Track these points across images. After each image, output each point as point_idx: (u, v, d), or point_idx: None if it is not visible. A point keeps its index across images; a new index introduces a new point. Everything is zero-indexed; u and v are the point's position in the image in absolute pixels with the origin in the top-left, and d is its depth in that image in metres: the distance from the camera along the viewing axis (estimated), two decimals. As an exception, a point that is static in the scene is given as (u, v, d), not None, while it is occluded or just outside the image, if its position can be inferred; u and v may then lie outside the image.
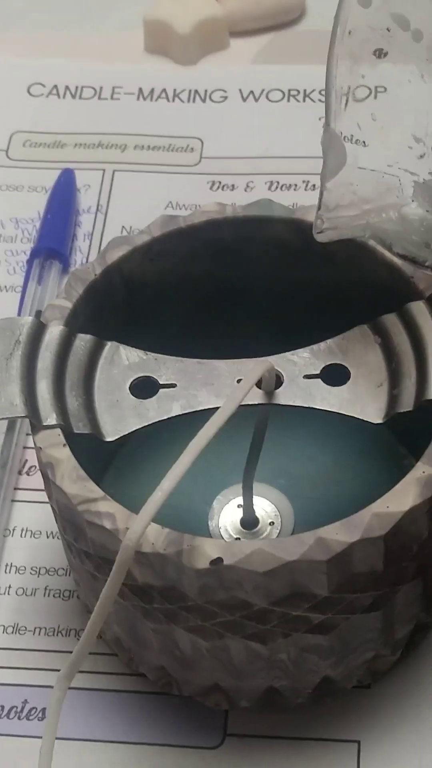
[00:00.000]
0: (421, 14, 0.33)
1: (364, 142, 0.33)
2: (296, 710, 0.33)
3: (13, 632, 0.35)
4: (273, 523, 0.35)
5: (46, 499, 0.37)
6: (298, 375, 0.31)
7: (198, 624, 0.29)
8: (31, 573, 0.36)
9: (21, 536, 0.37)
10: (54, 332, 0.31)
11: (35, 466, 0.38)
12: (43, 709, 0.34)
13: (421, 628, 0.33)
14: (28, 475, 0.38)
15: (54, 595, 0.36)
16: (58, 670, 0.34)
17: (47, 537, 0.37)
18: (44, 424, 0.30)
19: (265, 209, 0.34)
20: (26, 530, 0.37)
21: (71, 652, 0.34)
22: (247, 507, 0.34)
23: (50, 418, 0.30)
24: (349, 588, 0.29)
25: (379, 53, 0.34)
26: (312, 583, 0.28)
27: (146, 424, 0.30)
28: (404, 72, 0.33)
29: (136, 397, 0.31)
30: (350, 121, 0.33)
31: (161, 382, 0.31)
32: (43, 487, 0.38)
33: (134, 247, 0.33)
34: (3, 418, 0.30)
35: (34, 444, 0.30)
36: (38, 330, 0.31)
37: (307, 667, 0.31)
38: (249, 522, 0.35)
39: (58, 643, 0.35)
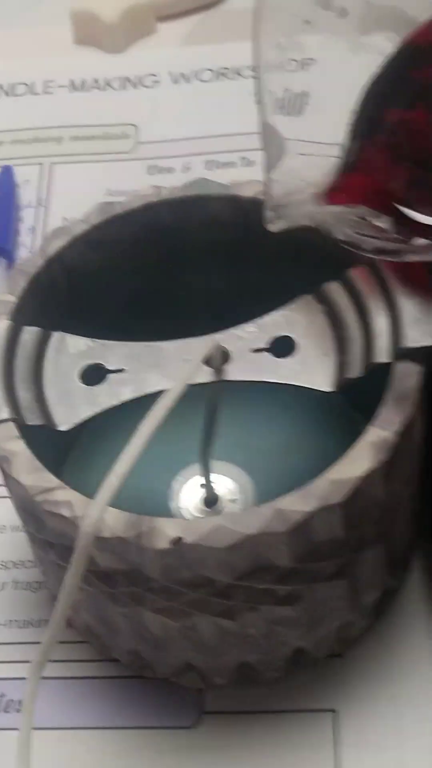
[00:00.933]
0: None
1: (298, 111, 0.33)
2: (271, 684, 0.33)
3: (-16, 627, 0.35)
4: (234, 500, 0.35)
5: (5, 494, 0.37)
6: (246, 350, 0.31)
7: (165, 605, 0.29)
8: (-1, 567, 0.36)
9: (-14, 531, 0.37)
10: (0, 327, 0.31)
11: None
12: (20, 701, 0.34)
13: (389, 593, 0.33)
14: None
15: (23, 588, 0.36)
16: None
17: (12, 531, 0.37)
18: (-3, 418, 0.30)
19: (201, 188, 0.34)
20: (-8, 524, 0.37)
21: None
22: (207, 486, 0.35)
23: (2, 412, 0.30)
24: (312, 557, 0.29)
25: (308, 29, 0.34)
26: (274, 555, 0.28)
27: (98, 410, 0.30)
28: (334, 49, 0.33)
29: (86, 384, 0.31)
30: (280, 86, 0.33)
31: (110, 368, 0.31)
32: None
33: (74, 236, 0.33)
34: None
35: (-12, 439, 0.30)
36: (-17, 326, 0.31)
37: (278, 639, 0.31)
38: (210, 500, 0.35)
39: (31, 634, 0.35)
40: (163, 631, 0.31)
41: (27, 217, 0.45)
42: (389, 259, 0.30)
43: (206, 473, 0.34)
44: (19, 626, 0.35)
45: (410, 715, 0.33)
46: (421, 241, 0.29)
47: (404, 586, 0.35)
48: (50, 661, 0.34)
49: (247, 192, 0.33)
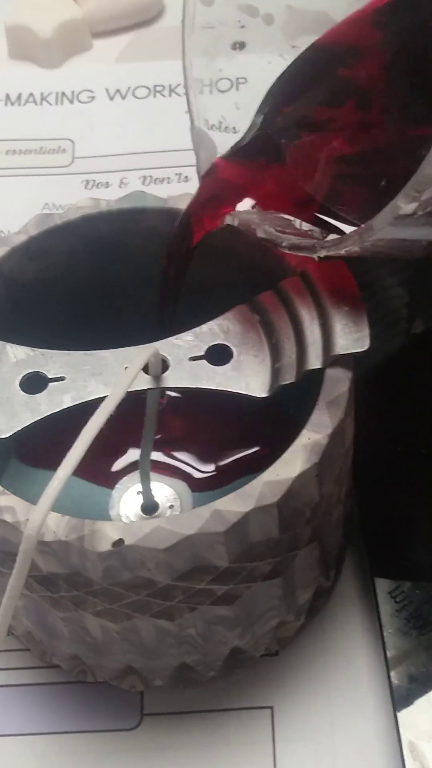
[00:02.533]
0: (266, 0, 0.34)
1: (234, 128, 0.34)
2: (210, 683, 0.34)
3: None
4: (172, 506, 0.36)
5: None
6: (184, 358, 0.32)
7: (106, 607, 0.30)
8: None
9: None
10: None
11: None
12: (-39, 710, 0.34)
13: (322, 593, 0.34)
14: None
15: (-38, 598, 0.36)
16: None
17: None
18: None
19: (137, 201, 0.34)
20: None
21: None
22: (146, 493, 0.35)
23: None
24: (248, 557, 0.30)
25: (238, 45, 0.35)
26: (212, 554, 0.29)
27: (39, 418, 0.31)
28: (263, 58, 0.35)
29: (26, 392, 0.31)
30: (215, 111, 0.34)
31: (50, 376, 0.32)
32: None
33: (12, 247, 0.34)
34: None
35: None
36: None
37: (216, 639, 0.32)
38: (149, 507, 0.36)
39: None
40: (104, 635, 0.31)
41: (-36, 230, 0.45)
42: (304, 254, 0.31)
43: (146, 480, 0.35)
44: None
45: (342, 708, 0.34)
46: (332, 237, 0.31)
47: (336, 587, 0.36)
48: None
49: (183, 205, 0.34)
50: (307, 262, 0.32)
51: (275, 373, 0.31)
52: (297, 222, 0.32)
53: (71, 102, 0.49)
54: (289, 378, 0.31)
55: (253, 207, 0.33)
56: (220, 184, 0.33)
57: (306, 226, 0.32)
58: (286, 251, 0.31)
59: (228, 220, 0.32)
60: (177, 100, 0.48)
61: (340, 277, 0.32)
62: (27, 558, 0.26)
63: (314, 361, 0.31)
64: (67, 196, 0.45)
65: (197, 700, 0.34)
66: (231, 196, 0.33)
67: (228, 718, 0.34)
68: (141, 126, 0.48)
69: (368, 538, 0.36)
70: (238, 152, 0.33)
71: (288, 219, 0.32)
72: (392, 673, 0.33)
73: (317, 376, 0.31)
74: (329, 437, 0.29)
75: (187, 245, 0.33)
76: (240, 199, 0.33)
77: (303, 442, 0.29)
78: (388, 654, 0.33)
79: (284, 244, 0.31)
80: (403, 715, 0.33)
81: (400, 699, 0.33)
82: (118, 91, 0.49)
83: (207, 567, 0.29)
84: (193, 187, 0.45)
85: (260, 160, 0.33)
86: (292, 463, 0.29)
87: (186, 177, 0.46)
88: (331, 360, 0.30)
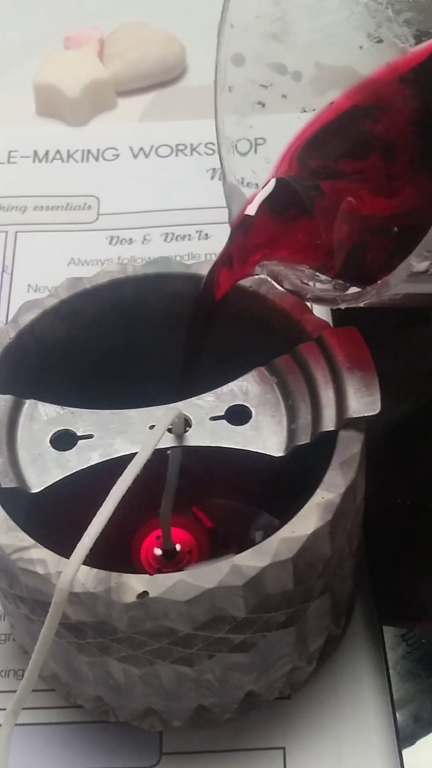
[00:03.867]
0: (294, 57, 0.36)
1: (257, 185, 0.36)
2: (225, 724, 0.35)
3: None
4: (191, 551, 0.38)
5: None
6: (205, 417, 0.34)
7: (129, 654, 0.32)
8: (-33, 620, 0.38)
9: None
10: (-24, 396, 0.34)
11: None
12: (-11, 747, 0.36)
13: (333, 639, 0.36)
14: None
15: (-9, 639, 0.38)
16: (3, 709, 0.36)
17: (-20, 585, 0.39)
18: (-27, 482, 0.32)
19: (162, 266, 0.36)
20: (-41, 580, 0.39)
21: (12, 692, 0.37)
22: (166, 539, 0.37)
23: (-21, 476, 0.32)
24: (264, 608, 0.31)
25: (260, 105, 0.37)
26: (230, 606, 0.31)
27: (68, 474, 0.33)
28: (291, 114, 0.36)
29: (56, 449, 0.33)
30: (245, 167, 0.36)
31: (79, 434, 0.33)
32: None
33: (44, 309, 0.36)
34: None
35: (-35, 501, 0.32)
36: (-39, 395, 0.33)
37: (232, 683, 0.34)
38: (168, 552, 0.38)
39: (-1, 684, 0.37)
40: (127, 679, 0.33)
41: (-7, 283, 0.47)
42: (326, 305, 0.33)
43: (166, 528, 0.37)
44: (-12, 675, 0.37)
45: (350, 749, 0.35)
46: (352, 290, 0.33)
47: (346, 633, 0.37)
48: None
49: (206, 271, 0.36)
50: (324, 328, 0.34)
51: (291, 434, 0.33)
52: (320, 274, 0.34)
53: (96, 159, 0.51)
54: (304, 438, 0.33)
55: (281, 258, 0.34)
56: (250, 236, 0.34)
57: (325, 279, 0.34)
58: (310, 302, 0.33)
59: (257, 270, 0.34)
60: (198, 158, 0.50)
61: (354, 343, 0.34)
62: (59, 609, 0.28)
63: (328, 423, 0.33)
64: (93, 252, 0.47)
65: (213, 741, 0.36)
66: (259, 248, 0.34)
67: (242, 758, 0.35)
68: (163, 184, 0.50)
69: (377, 586, 0.37)
70: (267, 206, 0.35)
71: (312, 271, 0.34)
72: (398, 714, 0.35)
73: (331, 436, 0.33)
74: (342, 496, 0.31)
75: (217, 293, 0.35)
76: (268, 251, 0.34)
77: (317, 500, 0.31)
78: (395, 696, 0.35)
79: (308, 296, 0.33)
80: (407, 753, 0.34)
81: (405, 739, 0.35)
82: (141, 149, 0.51)
83: (225, 617, 0.31)
84: (213, 244, 0.48)
85: (288, 214, 0.35)
86: (307, 520, 0.31)
87: (206, 234, 0.48)
88: (345, 422, 0.32)
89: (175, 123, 0.52)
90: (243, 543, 0.37)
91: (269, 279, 0.35)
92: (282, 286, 0.33)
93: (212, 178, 0.50)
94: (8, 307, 0.46)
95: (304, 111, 0.37)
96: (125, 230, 0.48)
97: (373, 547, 0.38)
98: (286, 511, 0.32)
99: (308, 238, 0.34)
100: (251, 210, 0.33)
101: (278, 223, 0.34)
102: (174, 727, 0.35)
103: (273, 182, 0.34)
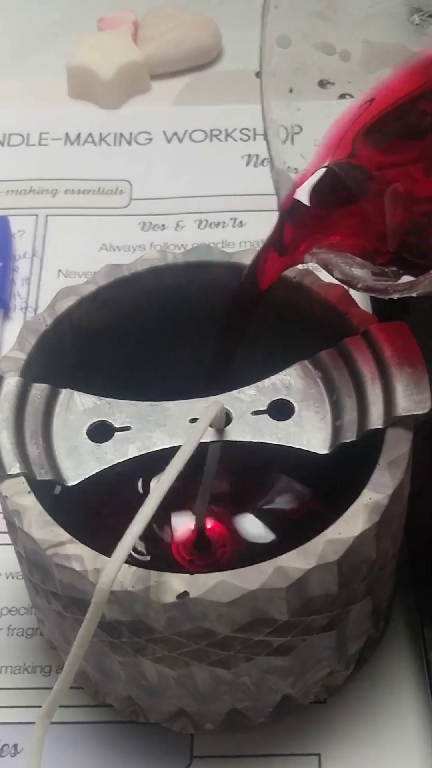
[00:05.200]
0: (342, 36, 0.35)
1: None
2: (259, 728, 0.34)
3: (-20, 672, 0.36)
4: (225, 545, 0.37)
5: (2, 541, 0.38)
6: (246, 411, 0.33)
7: (165, 654, 0.31)
8: (-6, 614, 0.37)
9: (-20, 579, 0.38)
10: (11, 383, 0.32)
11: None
12: (15, 745, 0.35)
13: (371, 643, 0.35)
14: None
15: (17, 634, 0.37)
16: (28, 707, 0.35)
17: (6, 578, 0.38)
18: (8, 473, 0.31)
19: (203, 254, 0.35)
20: (-15, 572, 0.38)
21: (39, 689, 0.36)
22: (200, 532, 0.36)
23: (14, 467, 0.31)
24: (306, 611, 0.30)
25: (308, 87, 0.35)
26: (272, 609, 0.30)
27: (105, 467, 0.32)
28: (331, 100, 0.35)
29: (93, 441, 0.32)
30: (293, 151, 0.35)
31: (116, 426, 0.32)
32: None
33: (82, 296, 0.35)
34: (-32, 470, 0.31)
35: None
36: (-5, 382, 0.32)
37: (268, 687, 0.33)
38: (202, 545, 0.37)
39: (25, 680, 0.36)
40: (160, 680, 0.32)
41: (22, 267, 0.46)
42: (378, 296, 0.31)
43: (200, 522, 0.36)
44: (13, 672, 0.36)
45: (388, 756, 0.34)
46: (405, 279, 0.31)
47: (384, 637, 0.36)
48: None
49: (247, 260, 0.35)
50: (370, 322, 0.33)
51: (336, 431, 0.32)
52: (372, 262, 0.33)
53: (129, 143, 0.50)
54: (350, 436, 0.32)
55: (330, 247, 0.33)
56: (301, 221, 0.33)
57: (376, 269, 0.32)
58: (362, 292, 0.32)
59: (307, 259, 0.33)
60: (233, 144, 0.49)
61: (403, 339, 0.32)
62: (98, 610, 0.27)
63: (376, 421, 0.31)
64: (124, 238, 0.46)
65: (246, 745, 0.35)
66: (310, 234, 0.33)
67: (276, 764, 0.34)
68: (197, 169, 0.48)
69: (418, 588, 0.36)
70: (318, 191, 0.34)
71: (363, 260, 0.33)
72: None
73: (377, 435, 0.31)
74: (390, 497, 0.30)
75: (263, 283, 0.34)
76: (319, 237, 0.33)
77: (364, 501, 0.30)
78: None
79: (359, 286, 0.32)
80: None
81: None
82: (175, 133, 0.50)
83: (266, 620, 0.30)
84: (247, 232, 0.46)
85: (339, 198, 0.34)
86: (354, 522, 0.30)
87: (241, 222, 0.46)
88: (393, 420, 0.31)
89: (210, 107, 0.51)
90: (280, 539, 0.36)
91: (315, 270, 0.34)
92: (332, 275, 0.32)
93: (247, 164, 0.49)
94: (38, 293, 0.45)
95: (352, 93, 0.35)
96: (158, 216, 0.47)
97: (414, 548, 0.36)
98: (328, 510, 0.31)
99: (360, 223, 0.33)
100: (302, 195, 0.32)
101: (329, 208, 0.33)
102: (206, 729, 0.34)
103: (323, 167, 0.33)
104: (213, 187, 0.48)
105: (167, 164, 0.49)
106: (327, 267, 0.32)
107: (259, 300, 0.33)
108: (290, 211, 0.33)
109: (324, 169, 0.33)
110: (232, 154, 0.49)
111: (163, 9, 0.53)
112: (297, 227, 0.33)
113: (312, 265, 0.33)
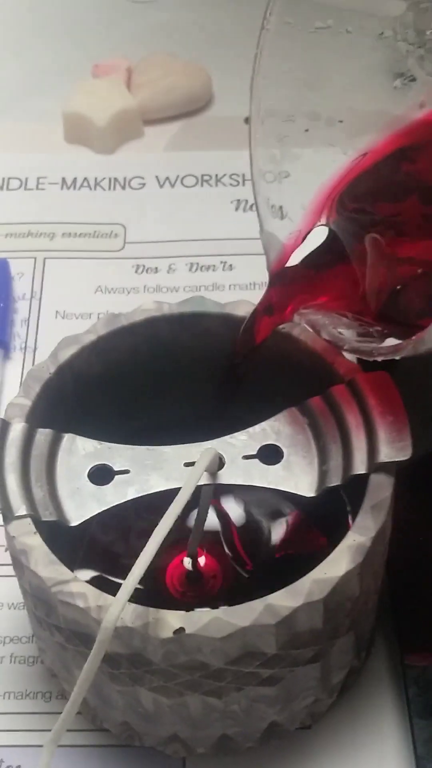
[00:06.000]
0: (328, 104, 0.37)
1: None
2: (247, 753, 0.36)
3: (-16, 698, 0.38)
4: (215, 576, 0.39)
5: (4, 573, 0.40)
6: (237, 456, 0.35)
7: (161, 684, 0.33)
8: (-4, 642, 0.39)
9: (-16, 609, 0.40)
10: (17, 429, 0.34)
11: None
12: (18, 766, 0.37)
13: (353, 672, 0.37)
14: (-16, 551, 0.41)
15: (20, 662, 0.39)
16: (30, 731, 0.37)
17: (9, 608, 0.40)
18: (16, 515, 0.33)
19: (197, 305, 0.38)
20: (-13, 603, 0.40)
21: (40, 713, 0.38)
22: (193, 566, 0.38)
23: (21, 509, 0.33)
24: (294, 645, 0.32)
25: (295, 152, 0.37)
26: (262, 643, 0.32)
27: (105, 508, 0.34)
28: (317, 162, 0.37)
29: (94, 483, 0.34)
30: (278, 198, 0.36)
31: (116, 469, 0.34)
32: (0, 562, 0.41)
33: (83, 345, 0.37)
34: (-22, 512, 0.33)
35: (7, 533, 0.33)
36: (3, 428, 0.34)
37: (257, 714, 0.35)
38: (194, 578, 0.39)
39: (26, 705, 0.38)
40: (156, 707, 0.34)
41: (21, 309, 0.48)
42: (363, 357, 0.34)
43: (194, 557, 0.38)
44: (15, 697, 0.38)
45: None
46: (389, 342, 0.34)
47: (366, 665, 0.38)
48: (44, 730, 0.37)
49: (240, 311, 0.37)
50: (355, 371, 0.35)
51: (323, 475, 0.34)
52: (358, 323, 0.35)
53: (123, 188, 0.52)
54: (335, 480, 0.34)
55: (318, 307, 0.35)
56: (289, 284, 0.35)
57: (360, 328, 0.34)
58: (347, 352, 0.34)
59: (296, 319, 0.35)
60: (223, 189, 0.51)
61: (385, 388, 0.35)
62: (103, 647, 0.29)
63: (359, 467, 0.34)
64: (119, 280, 0.48)
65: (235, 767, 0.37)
66: (298, 295, 0.35)
67: (264, 787, 0.36)
68: (189, 214, 0.50)
69: (399, 618, 0.38)
70: (305, 253, 0.35)
71: (350, 320, 0.35)
72: (418, 747, 0.36)
73: (361, 479, 0.34)
74: (372, 539, 0.32)
75: (257, 338, 0.36)
76: (307, 297, 0.35)
77: (348, 543, 0.32)
78: (415, 728, 0.36)
79: (345, 347, 0.34)
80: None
81: (425, 770, 0.36)
82: (167, 178, 0.52)
83: (256, 653, 0.32)
84: (236, 275, 0.48)
85: (326, 260, 0.35)
86: (339, 562, 0.32)
87: (230, 265, 0.48)
88: (376, 467, 0.33)
89: (201, 153, 0.53)
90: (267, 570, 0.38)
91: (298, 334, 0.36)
92: (320, 336, 0.34)
93: (236, 209, 0.51)
94: (36, 333, 0.47)
95: (339, 155, 0.37)
96: (151, 259, 0.49)
97: (395, 581, 0.39)
98: (312, 548, 0.33)
99: (347, 284, 0.35)
100: (292, 263, 0.34)
101: (317, 270, 0.35)
102: (198, 753, 0.36)
103: (312, 232, 0.35)
104: (204, 231, 0.50)
105: (160, 208, 0.51)
106: (314, 328, 0.34)
107: (255, 354, 0.36)
108: (279, 274, 0.35)
109: (311, 233, 0.35)
110: (222, 199, 0.51)
111: (156, 56, 0.56)
112: (285, 289, 0.35)
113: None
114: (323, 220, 0.36)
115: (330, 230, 0.35)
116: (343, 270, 0.35)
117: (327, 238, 0.35)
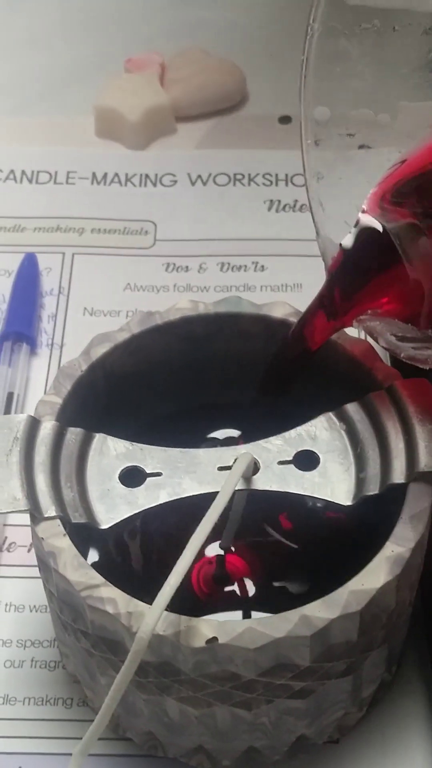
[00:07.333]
0: (381, 104, 0.36)
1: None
2: (273, 766, 0.36)
3: (4, 703, 0.37)
4: (243, 578, 0.38)
5: (28, 575, 0.39)
6: (273, 461, 0.34)
7: (189, 695, 0.32)
8: (17, 646, 0.38)
9: (5, 611, 0.39)
10: (47, 427, 0.34)
11: (15, 543, 0.40)
12: (38, 775, 0.36)
13: (384, 685, 0.36)
14: (8, 551, 0.40)
15: (41, 666, 0.38)
16: (50, 738, 0.36)
17: (30, 611, 0.39)
18: (45, 515, 0.32)
19: (233, 306, 0.37)
20: (10, 605, 0.39)
21: (61, 720, 0.37)
22: (221, 568, 0.37)
23: (50, 510, 0.32)
24: (327, 657, 0.32)
25: (348, 155, 0.36)
26: (295, 655, 0.31)
27: (137, 511, 0.33)
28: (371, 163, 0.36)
29: (125, 485, 0.33)
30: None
31: (148, 471, 0.34)
32: (23, 563, 0.40)
33: (116, 343, 0.36)
34: (6, 512, 0.32)
35: (35, 534, 0.32)
36: (33, 426, 0.33)
37: (285, 727, 0.34)
38: (221, 579, 0.38)
39: (47, 712, 0.37)
40: (182, 718, 0.33)
41: (48, 304, 0.47)
42: (419, 365, 0.32)
43: (221, 562, 0.37)
44: (36, 703, 0.37)
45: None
46: None
47: (395, 679, 0.38)
48: (65, 737, 0.36)
49: (277, 313, 0.36)
50: (394, 377, 0.34)
51: (360, 483, 0.33)
52: (415, 329, 0.34)
53: (154, 185, 0.51)
54: (373, 489, 0.33)
55: (377, 312, 0.34)
56: (348, 288, 0.34)
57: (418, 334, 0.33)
58: (405, 360, 0.33)
59: (355, 325, 0.34)
60: (256, 189, 0.50)
61: (425, 395, 0.34)
62: (137, 658, 0.28)
63: (398, 476, 0.33)
64: (149, 278, 0.47)
65: (261, 782, 0.36)
66: (358, 301, 0.34)
67: (290, 801, 0.35)
68: (220, 212, 0.50)
69: (430, 632, 0.38)
70: (360, 257, 0.34)
71: (407, 325, 0.34)
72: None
73: (399, 488, 0.33)
74: (411, 550, 0.31)
75: (313, 344, 0.35)
76: (367, 304, 0.34)
77: (387, 554, 0.31)
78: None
79: (402, 355, 0.33)
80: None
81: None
82: (199, 176, 0.51)
83: (289, 665, 0.31)
84: (268, 276, 0.48)
85: (383, 264, 0.34)
86: (376, 573, 0.31)
87: (262, 266, 0.48)
88: (415, 476, 0.32)
89: (234, 151, 0.52)
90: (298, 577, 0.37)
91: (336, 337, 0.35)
92: (378, 343, 0.33)
93: (269, 209, 0.50)
94: (63, 329, 0.46)
95: (393, 153, 0.36)
96: (181, 257, 0.48)
97: (428, 593, 0.38)
98: (348, 559, 0.32)
99: (406, 289, 0.34)
100: (350, 267, 0.33)
101: (375, 274, 0.34)
102: (223, 765, 0.35)
103: (369, 235, 0.34)
104: (235, 230, 0.49)
105: (191, 206, 0.50)
106: (372, 334, 0.33)
107: (309, 361, 0.35)
108: (338, 279, 0.34)
109: (369, 234, 0.34)
110: (255, 198, 0.50)
111: (190, 53, 0.55)
112: (344, 294, 0.34)
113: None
114: (379, 222, 0.34)
115: (386, 232, 0.34)
116: (401, 274, 0.34)
117: (384, 240, 0.34)
